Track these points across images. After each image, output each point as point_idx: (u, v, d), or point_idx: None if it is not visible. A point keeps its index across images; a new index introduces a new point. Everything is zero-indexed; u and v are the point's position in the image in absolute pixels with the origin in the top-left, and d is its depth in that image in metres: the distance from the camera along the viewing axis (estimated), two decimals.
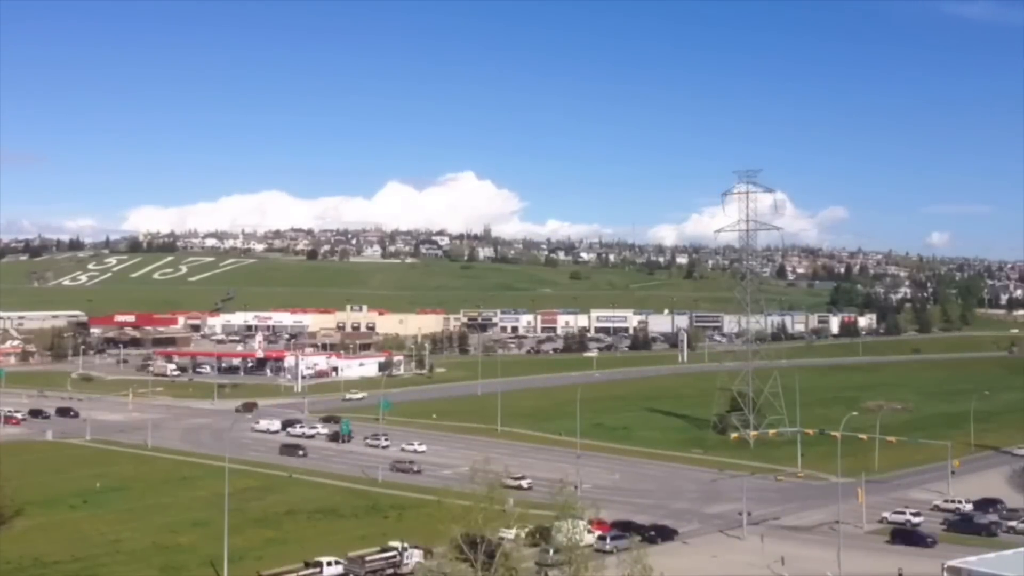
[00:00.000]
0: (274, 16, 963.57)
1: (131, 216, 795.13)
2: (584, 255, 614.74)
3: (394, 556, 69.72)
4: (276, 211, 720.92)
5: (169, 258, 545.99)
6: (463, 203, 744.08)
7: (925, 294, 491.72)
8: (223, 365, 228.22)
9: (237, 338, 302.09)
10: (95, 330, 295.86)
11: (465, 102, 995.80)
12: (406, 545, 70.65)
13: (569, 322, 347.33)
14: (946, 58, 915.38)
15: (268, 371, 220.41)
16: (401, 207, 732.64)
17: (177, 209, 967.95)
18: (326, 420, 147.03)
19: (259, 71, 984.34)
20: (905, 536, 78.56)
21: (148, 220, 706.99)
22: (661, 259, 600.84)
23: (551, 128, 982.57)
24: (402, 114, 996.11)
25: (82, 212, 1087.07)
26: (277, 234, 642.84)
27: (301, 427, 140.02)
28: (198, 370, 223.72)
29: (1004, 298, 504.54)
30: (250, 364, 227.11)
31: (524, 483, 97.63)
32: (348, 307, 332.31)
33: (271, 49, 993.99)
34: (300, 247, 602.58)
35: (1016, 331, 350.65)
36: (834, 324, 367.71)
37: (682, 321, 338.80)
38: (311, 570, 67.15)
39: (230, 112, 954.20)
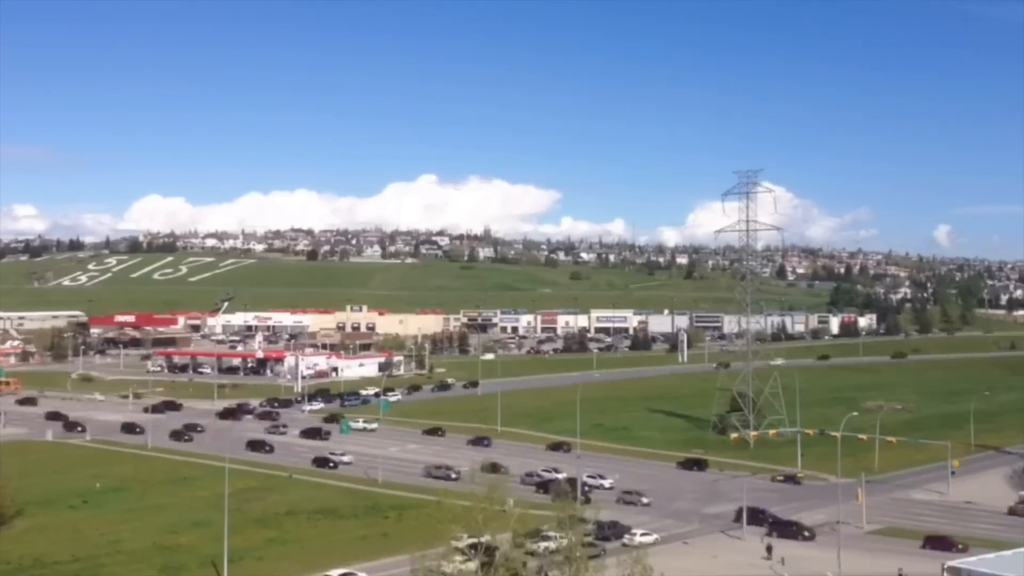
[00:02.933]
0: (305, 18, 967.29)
1: (157, 208, 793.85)
2: (584, 255, 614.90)
3: None
4: (311, 209, 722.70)
5: (169, 258, 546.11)
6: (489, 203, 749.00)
7: (925, 294, 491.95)
8: (223, 365, 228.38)
9: (237, 338, 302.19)
10: (95, 330, 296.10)
11: (466, 103, 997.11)
12: None
13: (569, 322, 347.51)
14: (945, 57, 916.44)
15: (268, 371, 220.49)
16: (419, 207, 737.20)
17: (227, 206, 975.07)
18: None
19: (298, 75, 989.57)
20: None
21: (173, 214, 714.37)
22: (661, 259, 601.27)
23: (564, 126, 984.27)
24: (401, 113, 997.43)
25: (106, 209, 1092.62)
26: (277, 234, 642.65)
27: None
28: (198, 370, 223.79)
29: (1004, 298, 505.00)
30: (250, 364, 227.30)
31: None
32: (348, 307, 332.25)
33: (318, 53, 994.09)
34: (300, 247, 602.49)
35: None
36: (834, 324, 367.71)
37: (682, 321, 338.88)
38: None
39: (267, 112, 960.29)
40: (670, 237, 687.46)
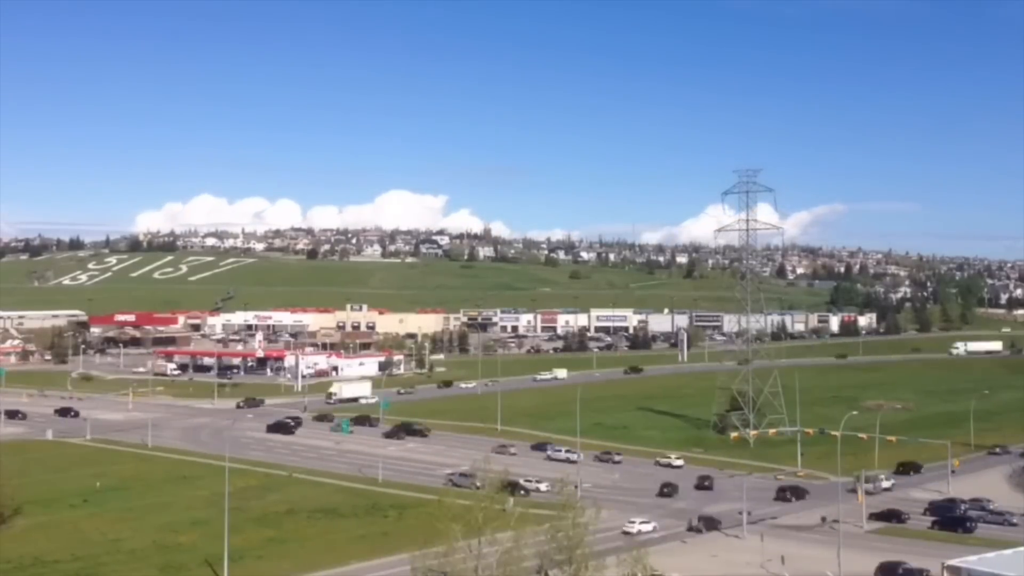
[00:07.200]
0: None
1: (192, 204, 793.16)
2: (584, 255, 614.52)
3: None
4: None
5: (169, 257, 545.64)
6: None
7: (925, 293, 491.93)
8: (223, 365, 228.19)
9: (237, 337, 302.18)
10: (95, 329, 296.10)
11: (464, 104, 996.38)
12: None
13: (569, 321, 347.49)
14: (947, 56, 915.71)
15: (268, 370, 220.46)
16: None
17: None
18: None
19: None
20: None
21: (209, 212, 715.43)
22: (661, 259, 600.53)
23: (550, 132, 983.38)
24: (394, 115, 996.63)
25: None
26: (277, 233, 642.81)
27: None
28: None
29: (1004, 297, 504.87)
30: (250, 364, 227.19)
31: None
32: (348, 306, 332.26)
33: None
34: (300, 246, 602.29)
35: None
36: (834, 323, 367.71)
37: (682, 320, 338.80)
38: None
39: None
40: (670, 236, 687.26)
